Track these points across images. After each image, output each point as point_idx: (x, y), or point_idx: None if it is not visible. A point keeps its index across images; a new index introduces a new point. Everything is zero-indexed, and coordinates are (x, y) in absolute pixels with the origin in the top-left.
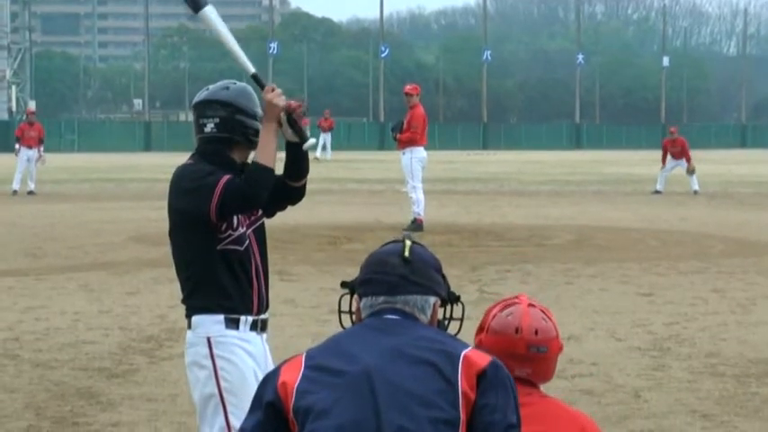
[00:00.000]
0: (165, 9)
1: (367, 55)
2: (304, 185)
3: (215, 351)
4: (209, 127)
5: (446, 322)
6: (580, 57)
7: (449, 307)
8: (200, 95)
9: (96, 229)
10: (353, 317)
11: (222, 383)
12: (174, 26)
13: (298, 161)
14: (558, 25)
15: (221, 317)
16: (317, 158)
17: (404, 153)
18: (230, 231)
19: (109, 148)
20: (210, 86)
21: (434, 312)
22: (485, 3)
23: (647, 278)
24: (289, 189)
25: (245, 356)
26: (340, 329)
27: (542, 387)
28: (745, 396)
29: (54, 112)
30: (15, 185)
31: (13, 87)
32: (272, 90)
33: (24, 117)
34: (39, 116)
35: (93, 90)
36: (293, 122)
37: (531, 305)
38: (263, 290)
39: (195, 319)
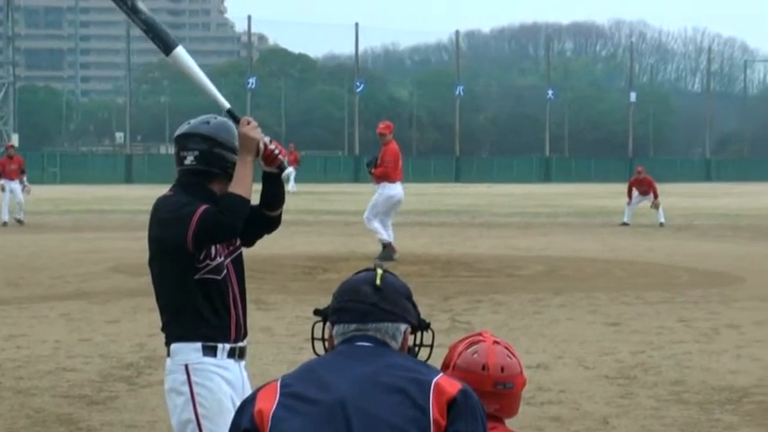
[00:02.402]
0: (147, 45)
1: (342, 90)
2: (280, 214)
3: (192, 378)
4: (189, 159)
5: (416, 349)
6: (550, 92)
7: (419, 334)
8: (182, 129)
9: (78, 259)
10: (326, 344)
11: (199, 409)
12: (155, 62)
13: (275, 191)
14: (529, 62)
15: (199, 344)
16: (289, 192)
17: (378, 188)
18: (208, 261)
19: (91, 180)
20: (192, 120)
21: (405, 339)
22: (457, 39)
23: (614, 308)
24: (266, 218)
25: (222, 383)
26: (314, 356)
27: (512, 419)
28: (708, 423)
29: (37, 145)
30: (5, 217)
31: None
32: (248, 123)
33: (3, 151)
34: (22, 149)
35: (75, 123)
36: (270, 155)
37: (495, 342)
38: (241, 318)
39: (173, 346)
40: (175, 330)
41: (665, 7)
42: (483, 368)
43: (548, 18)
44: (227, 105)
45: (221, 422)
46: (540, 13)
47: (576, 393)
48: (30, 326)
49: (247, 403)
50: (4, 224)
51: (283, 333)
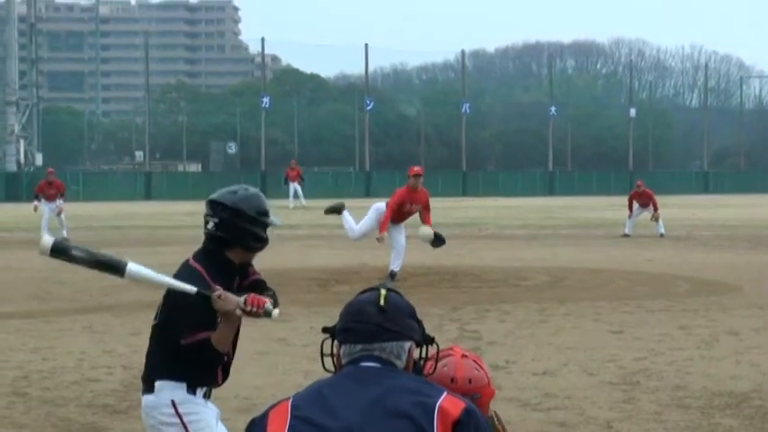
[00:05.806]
0: (165, 67)
1: (353, 108)
2: None
3: (180, 410)
4: (211, 225)
5: (421, 362)
6: (553, 109)
7: (424, 347)
8: (214, 193)
9: (100, 274)
10: (335, 359)
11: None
12: (173, 82)
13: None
14: (532, 79)
15: (184, 384)
16: (287, 208)
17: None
18: None
19: (111, 197)
20: (227, 188)
21: (410, 356)
22: (463, 59)
23: (617, 316)
24: None
25: (204, 408)
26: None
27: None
28: (709, 427)
29: (60, 164)
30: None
31: (22, 141)
32: (219, 297)
33: (31, 168)
34: (45, 168)
35: (96, 143)
36: (250, 315)
37: (464, 356)
38: (225, 375)
39: (159, 383)
40: (163, 369)
41: (663, 26)
42: (452, 381)
43: (550, 37)
44: (195, 289)
45: None
46: (542, 33)
47: (581, 399)
48: (55, 338)
49: (258, 421)
50: None
51: (298, 344)
